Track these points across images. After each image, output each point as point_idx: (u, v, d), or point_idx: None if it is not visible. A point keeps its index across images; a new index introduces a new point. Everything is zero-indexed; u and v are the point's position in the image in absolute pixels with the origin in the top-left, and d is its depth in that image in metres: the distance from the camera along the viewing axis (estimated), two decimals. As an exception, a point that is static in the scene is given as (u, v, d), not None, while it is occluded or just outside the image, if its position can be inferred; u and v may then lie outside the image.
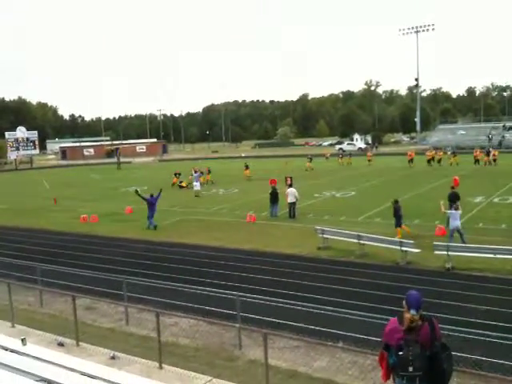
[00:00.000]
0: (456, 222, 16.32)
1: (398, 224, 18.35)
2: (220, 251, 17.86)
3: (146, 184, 43.59)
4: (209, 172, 41.98)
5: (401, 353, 4.78)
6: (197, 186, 34.09)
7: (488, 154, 47.94)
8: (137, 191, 25.78)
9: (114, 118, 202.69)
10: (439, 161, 47.50)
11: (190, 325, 10.68)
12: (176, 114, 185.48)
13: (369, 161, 53.17)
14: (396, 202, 18.86)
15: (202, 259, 16.86)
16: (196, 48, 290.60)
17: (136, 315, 11.46)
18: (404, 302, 4.89)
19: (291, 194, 23.88)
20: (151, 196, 23.43)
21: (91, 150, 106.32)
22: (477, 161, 46.31)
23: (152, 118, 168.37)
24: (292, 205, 23.81)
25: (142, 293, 12.60)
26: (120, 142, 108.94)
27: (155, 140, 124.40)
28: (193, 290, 12.32)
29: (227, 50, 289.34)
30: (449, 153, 53.44)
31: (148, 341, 9.96)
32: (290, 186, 25.10)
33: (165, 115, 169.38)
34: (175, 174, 40.63)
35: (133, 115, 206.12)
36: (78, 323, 9.90)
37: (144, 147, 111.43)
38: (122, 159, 75.95)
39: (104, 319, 11.76)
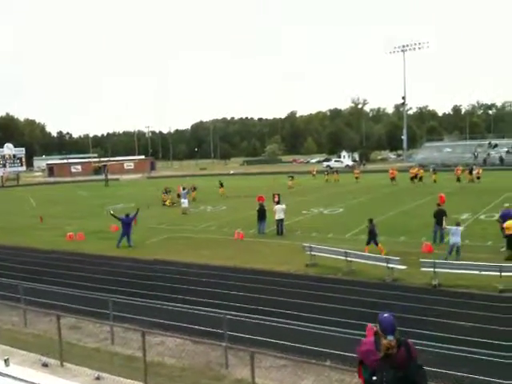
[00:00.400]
0: (457, 239, 16.33)
1: (375, 242, 18.51)
2: (207, 269, 17.77)
3: (133, 201, 43.38)
4: (194, 189, 41.70)
5: (374, 378, 4.65)
6: (185, 203, 33.96)
7: (471, 171, 48.34)
8: (111, 213, 25.43)
9: (102, 135, 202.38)
10: (420, 178, 47.42)
11: (176, 344, 10.59)
12: (164, 131, 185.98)
13: (356, 178, 53.40)
14: (371, 221, 19.15)
15: (189, 277, 16.77)
16: (185, 65, 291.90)
17: (121, 334, 11.33)
18: (378, 327, 4.69)
19: (279, 210, 23.94)
20: (126, 216, 23.30)
21: (78, 167, 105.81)
22: (458, 178, 46.06)
23: (140, 135, 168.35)
24: (280, 222, 23.84)
25: (128, 312, 12.49)
26: (108, 158, 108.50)
27: (143, 157, 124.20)
28: (179, 308, 12.23)
29: (216, 68, 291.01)
30: (430, 170, 53.82)
31: (133, 361, 9.85)
32: (278, 202, 25.17)
33: (153, 132, 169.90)
34: (166, 192, 40.12)
35: (121, 132, 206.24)
36: (62, 343, 9.76)
37: (132, 164, 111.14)
38: (109, 176, 75.65)
39: (89, 339, 11.62)
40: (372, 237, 18.56)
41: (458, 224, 16.62)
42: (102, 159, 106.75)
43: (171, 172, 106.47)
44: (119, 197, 49.34)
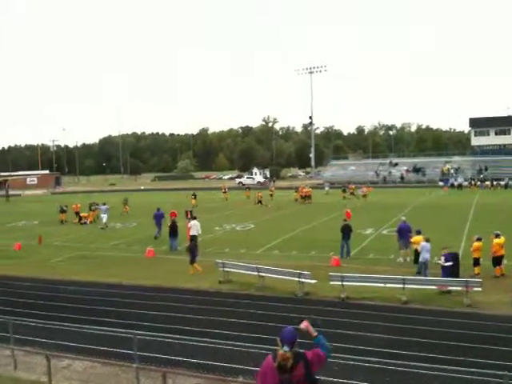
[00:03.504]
0: (427, 255, 16.30)
1: (193, 261, 19.02)
2: (116, 288, 17.22)
3: (36, 218, 41.30)
4: (126, 203, 42.29)
5: None
6: (104, 218, 33.62)
7: (344, 190, 51.56)
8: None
9: (3, 149, 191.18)
10: (309, 197, 48.25)
11: (84, 367, 10.15)
12: (71, 145, 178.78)
13: (271, 195, 53.17)
14: (191, 240, 20.32)
15: (96, 297, 16.16)
16: (93, 78, 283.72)
17: (24, 358, 10.66)
18: (278, 340, 4.72)
19: (194, 226, 23.42)
20: (158, 210, 28.51)
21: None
22: (352, 193, 50.62)
23: (44, 149, 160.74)
24: (194, 238, 23.36)
25: (30, 334, 11.77)
26: (9, 173, 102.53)
27: (47, 172, 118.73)
28: (85, 329, 11.70)
29: (125, 80, 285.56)
30: (326, 188, 56.06)
31: (38, 387, 9.29)
32: (194, 218, 24.52)
33: (58, 146, 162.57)
34: (62, 210, 37.65)
35: (23, 145, 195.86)
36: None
37: (35, 179, 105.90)
38: (11, 192, 71.47)
39: (-13, 365, 10.81)
40: (192, 255, 19.10)
41: (427, 240, 16.61)
42: (3, 174, 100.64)
43: (78, 187, 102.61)
44: (21, 213, 46.72)
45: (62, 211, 37.25)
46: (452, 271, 15.65)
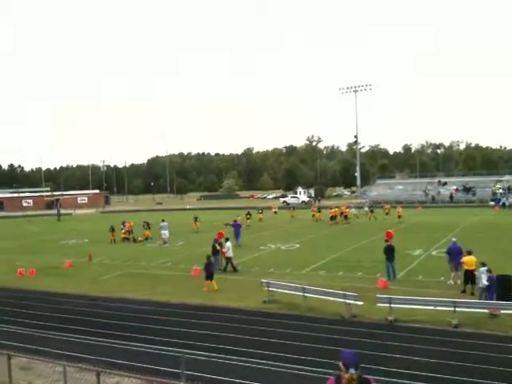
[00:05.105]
0: (485, 281, 15.84)
1: (211, 278, 19.56)
2: (165, 306, 17.46)
3: (86, 236, 42.50)
4: (148, 227, 39.25)
5: None
6: (165, 234, 34.91)
7: (372, 210, 50.97)
8: (225, 223, 33.29)
9: (55, 169, 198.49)
10: (345, 217, 47.49)
11: (133, 384, 10.28)
12: (120, 165, 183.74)
13: (313, 215, 52.57)
14: (208, 257, 20.36)
15: (145, 315, 16.42)
16: (138, 100, 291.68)
17: (75, 375, 10.90)
18: (340, 364, 4.77)
19: (228, 248, 23.43)
20: (234, 221, 33.37)
21: (30, 201, 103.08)
22: (386, 214, 50.10)
23: (95, 169, 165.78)
24: (229, 259, 23.55)
25: (82, 351, 12.10)
26: (61, 192, 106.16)
27: (97, 191, 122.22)
28: (136, 347, 11.90)
29: (169, 102, 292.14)
30: (366, 208, 54.85)
31: (87, 402, 9.49)
32: (227, 240, 24.30)
33: (108, 166, 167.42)
34: (112, 229, 38.07)
35: (75, 166, 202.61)
36: (12, 385, 9.34)
37: (86, 198, 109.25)
38: (62, 211, 73.90)
39: (40, 380, 11.13)
40: (209, 272, 19.59)
41: (483, 264, 16.14)
42: (55, 193, 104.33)
43: (126, 206, 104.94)
44: (72, 232, 48.18)
45: (112, 230, 38.13)
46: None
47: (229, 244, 23.66)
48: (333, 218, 46.70)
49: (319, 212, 50.99)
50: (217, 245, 23.51)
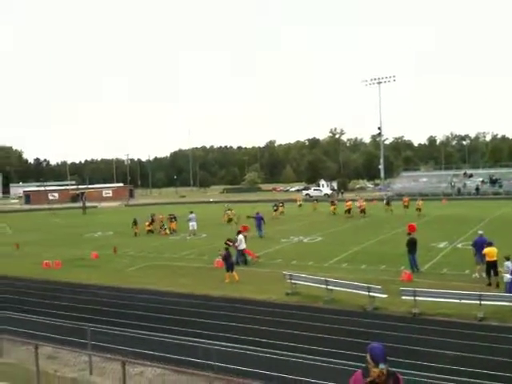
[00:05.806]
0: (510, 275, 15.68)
1: (232, 269, 19.84)
2: (188, 298, 17.60)
3: (111, 229, 43.04)
4: (175, 219, 39.61)
5: None
6: (194, 226, 35.88)
7: (388, 203, 49.75)
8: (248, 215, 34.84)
9: (80, 162, 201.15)
10: (363, 210, 45.81)
11: (157, 374, 10.40)
12: (143, 159, 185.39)
13: (334, 209, 51.78)
14: (226, 249, 20.56)
15: (169, 306, 16.58)
16: (163, 99, 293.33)
17: (100, 364, 11.09)
18: (368, 357, 4.69)
19: (240, 240, 23.45)
20: (257, 213, 33.70)
21: (56, 195, 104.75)
22: (406, 207, 47.57)
23: (119, 163, 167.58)
24: (240, 252, 23.48)
25: (107, 341, 12.27)
26: (86, 186, 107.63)
27: (122, 184, 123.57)
28: (160, 338, 12.04)
29: (194, 99, 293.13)
30: (384, 202, 53.65)
31: (113, 391, 9.63)
32: (239, 233, 24.18)
33: (132, 160, 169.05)
34: (135, 222, 38.49)
35: (99, 159, 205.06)
36: (40, 373, 9.53)
37: (110, 192, 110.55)
38: (87, 204, 74.91)
39: (67, 369, 11.33)
40: (228, 264, 19.89)
41: (507, 258, 15.87)
42: (80, 187, 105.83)
43: (150, 200, 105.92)
44: (97, 224, 48.83)
45: (135, 223, 38.46)
46: None
47: (241, 237, 23.57)
48: (348, 211, 46.06)
49: (334, 205, 50.05)
50: (228, 242, 23.09)
